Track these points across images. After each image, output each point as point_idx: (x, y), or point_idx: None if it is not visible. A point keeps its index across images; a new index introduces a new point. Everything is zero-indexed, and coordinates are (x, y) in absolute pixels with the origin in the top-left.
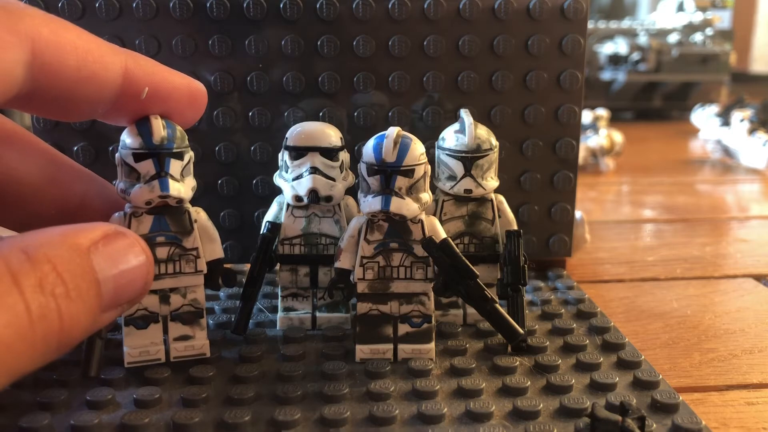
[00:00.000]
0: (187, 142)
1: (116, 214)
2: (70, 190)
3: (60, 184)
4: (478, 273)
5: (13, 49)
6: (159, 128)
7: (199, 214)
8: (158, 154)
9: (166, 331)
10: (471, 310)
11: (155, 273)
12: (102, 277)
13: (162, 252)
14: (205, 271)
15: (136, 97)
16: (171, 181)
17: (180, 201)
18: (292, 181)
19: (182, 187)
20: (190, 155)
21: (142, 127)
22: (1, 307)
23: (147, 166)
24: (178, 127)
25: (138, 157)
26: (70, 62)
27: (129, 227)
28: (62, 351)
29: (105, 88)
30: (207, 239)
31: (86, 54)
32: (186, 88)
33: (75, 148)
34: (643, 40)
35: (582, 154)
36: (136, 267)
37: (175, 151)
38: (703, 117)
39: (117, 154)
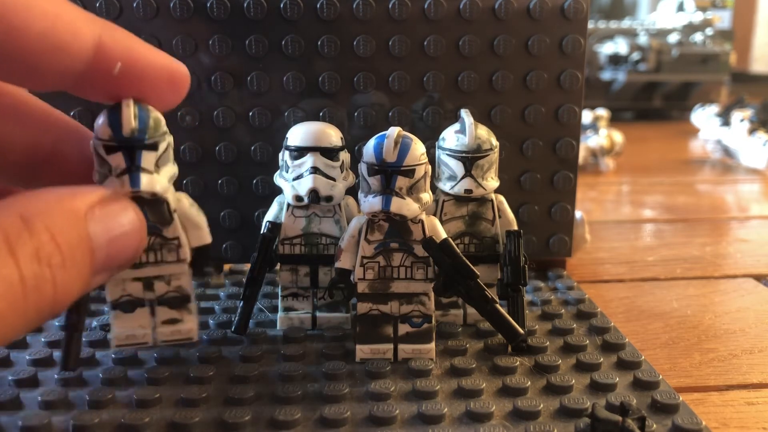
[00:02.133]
0: (163, 129)
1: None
2: (40, 136)
3: (29, 129)
4: (478, 273)
5: None
6: (129, 119)
7: (181, 202)
8: (129, 147)
9: (154, 314)
10: (471, 310)
11: (137, 262)
12: (96, 244)
13: None
14: (189, 259)
15: (109, 73)
16: (143, 175)
17: (154, 195)
18: (292, 181)
19: (157, 180)
20: (167, 142)
21: (113, 116)
22: None
23: (117, 159)
24: (153, 114)
25: (109, 149)
26: (37, 26)
27: None
28: (53, 316)
29: (73, 58)
30: (191, 226)
31: (55, 19)
32: (165, 69)
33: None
34: (643, 40)
35: (582, 154)
36: (130, 232)
37: (147, 142)
38: (703, 117)
39: (91, 141)
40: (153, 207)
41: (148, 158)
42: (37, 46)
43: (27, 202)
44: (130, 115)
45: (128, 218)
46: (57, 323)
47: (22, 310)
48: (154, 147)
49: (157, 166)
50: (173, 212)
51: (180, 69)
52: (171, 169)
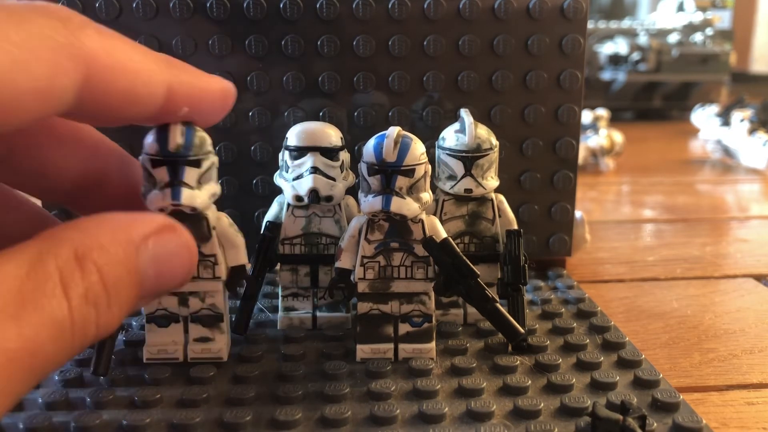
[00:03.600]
0: (207, 148)
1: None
2: (92, 162)
3: (82, 156)
4: (478, 272)
5: (68, 74)
6: (176, 135)
7: (220, 221)
8: (173, 162)
9: (187, 330)
10: (471, 310)
11: None
12: (144, 278)
13: None
14: (224, 278)
15: (175, 112)
16: (184, 190)
17: (194, 209)
18: (292, 181)
19: (198, 196)
20: (211, 161)
21: (161, 133)
22: (52, 322)
23: (162, 173)
24: (199, 134)
25: (154, 163)
26: (119, 86)
27: None
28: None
29: (148, 108)
30: (229, 245)
31: (135, 77)
32: (220, 92)
33: None
34: (643, 40)
35: (582, 154)
36: (181, 265)
37: (191, 158)
38: (703, 117)
39: (140, 156)
40: (192, 222)
41: (190, 174)
42: (117, 103)
43: (83, 235)
44: (176, 131)
45: (182, 247)
46: None
47: (69, 350)
48: (197, 164)
49: (200, 182)
50: (212, 229)
51: (231, 89)
52: (213, 188)
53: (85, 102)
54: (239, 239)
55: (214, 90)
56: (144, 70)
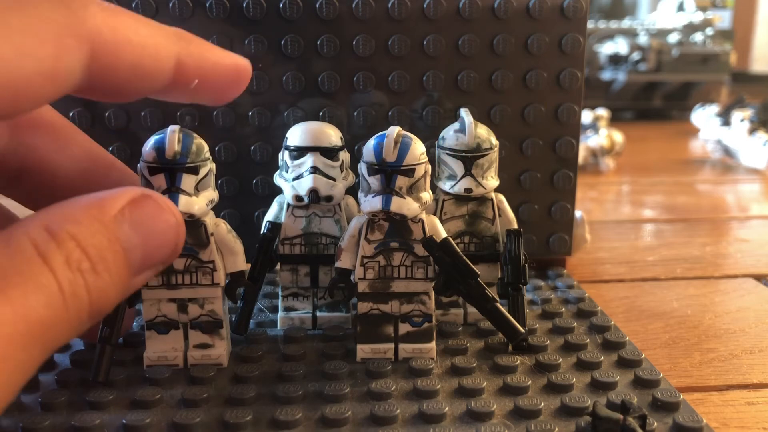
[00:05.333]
0: (205, 156)
1: None
2: (101, 185)
3: (93, 179)
4: (478, 272)
5: (73, 53)
6: (173, 143)
7: (219, 227)
8: (170, 169)
9: (187, 337)
10: (471, 309)
11: (172, 283)
12: (128, 246)
13: (179, 263)
14: (223, 284)
15: (186, 85)
16: (181, 197)
17: (191, 216)
18: (292, 181)
19: (195, 202)
20: (208, 168)
21: (158, 140)
22: (38, 288)
23: (159, 180)
24: (197, 141)
25: (152, 170)
26: (126, 60)
27: None
28: (94, 321)
29: (156, 80)
30: (227, 252)
31: (142, 50)
32: (232, 67)
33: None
34: (643, 39)
35: (582, 153)
36: (165, 230)
37: (188, 166)
38: (704, 117)
39: (138, 164)
40: (190, 229)
41: (188, 181)
42: (125, 77)
43: (52, 213)
44: (174, 139)
45: (163, 216)
46: None
47: (66, 317)
48: (194, 170)
49: (197, 189)
50: (210, 236)
51: (244, 64)
52: (210, 194)
53: (94, 78)
54: (238, 245)
55: (226, 64)
56: (151, 44)
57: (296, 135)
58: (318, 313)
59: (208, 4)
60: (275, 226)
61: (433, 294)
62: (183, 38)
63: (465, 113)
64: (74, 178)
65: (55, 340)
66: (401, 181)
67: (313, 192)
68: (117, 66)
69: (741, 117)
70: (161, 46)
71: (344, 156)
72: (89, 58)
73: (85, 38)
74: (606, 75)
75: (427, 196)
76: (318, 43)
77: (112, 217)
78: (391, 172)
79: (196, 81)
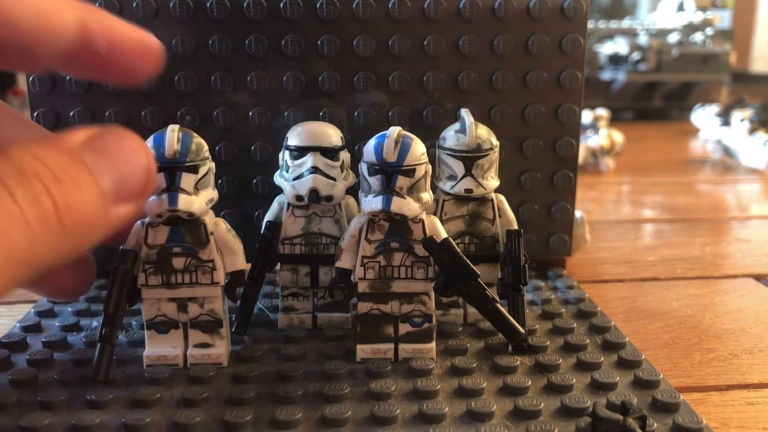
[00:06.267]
0: (204, 155)
1: (137, 223)
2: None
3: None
4: (478, 272)
5: None
6: (173, 142)
7: (218, 226)
8: (170, 168)
9: (187, 336)
10: (472, 310)
11: (172, 282)
12: (95, 168)
13: (178, 262)
14: (223, 283)
15: (94, 51)
16: (181, 195)
17: (191, 214)
18: (292, 181)
19: (194, 201)
20: (207, 167)
21: (158, 139)
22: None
23: (159, 179)
24: (196, 140)
25: None
26: (27, 14)
27: (147, 237)
28: (77, 238)
29: (61, 38)
30: (227, 251)
31: (43, 4)
32: (141, 42)
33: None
34: (643, 40)
35: (582, 154)
36: (131, 156)
37: (187, 165)
38: (704, 117)
39: None
40: (190, 228)
41: (187, 180)
42: (28, 31)
43: (7, 142)
44: (174, 138)
45: (127, 144)
46: (57, 324)
47: (28, 229)
48: (194, 170)
49: (196, 188)
50: (210, 235)
51: (152, 41)
52: (210, 193)
53: None
54: (237, 245)
55: (133, 38)
56: (52, 1)
57: (297, 135)
58: (318, 314)
59: (208, 5)
60: (275, 225)
61: (433, 294)
62: (89, 6)
63: (465, 113)
64: None
65: (29, 258)
66: (402, 182)
67: (314, 192)
68: (19, 18)
69: (741, 117)
70: (64, 5)
71: (344, 156)
72: None
73: None
74: (606, 75)
75: (427, 196)
76: (318, 43)
77: (73, 144)
78: (391, 173)
79: (103, 43)
